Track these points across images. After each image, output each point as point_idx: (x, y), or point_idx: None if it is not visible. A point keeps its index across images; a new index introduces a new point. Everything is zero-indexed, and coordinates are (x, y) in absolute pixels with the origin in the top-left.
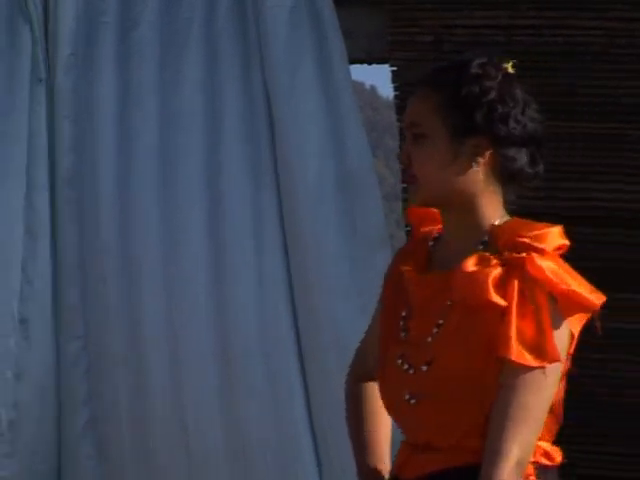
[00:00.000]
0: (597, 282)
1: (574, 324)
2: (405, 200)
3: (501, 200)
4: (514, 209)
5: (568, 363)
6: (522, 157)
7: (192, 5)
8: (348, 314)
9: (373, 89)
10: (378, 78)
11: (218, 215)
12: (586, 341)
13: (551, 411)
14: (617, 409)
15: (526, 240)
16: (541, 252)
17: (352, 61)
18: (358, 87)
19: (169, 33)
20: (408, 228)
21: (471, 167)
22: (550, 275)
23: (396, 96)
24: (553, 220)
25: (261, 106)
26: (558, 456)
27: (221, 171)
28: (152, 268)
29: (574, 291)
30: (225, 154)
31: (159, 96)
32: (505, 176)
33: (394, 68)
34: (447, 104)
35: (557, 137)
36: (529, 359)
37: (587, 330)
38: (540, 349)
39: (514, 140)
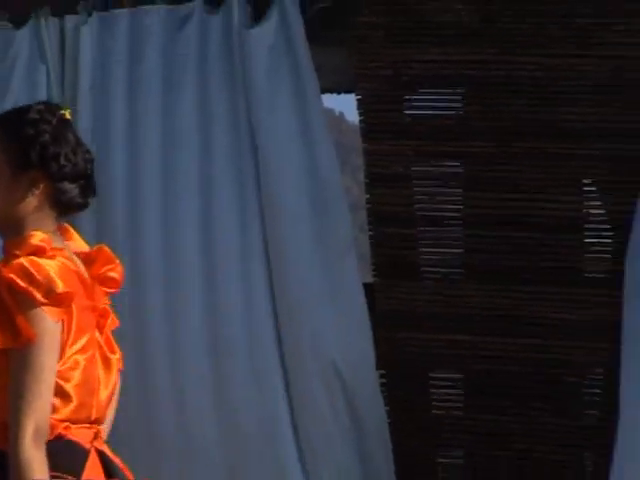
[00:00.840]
0: (548, 278)
1: (55, 314)
2: (368, 208)
3: (53, 223)
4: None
5: (76, 349)
6: (73, 190)
7: (188, 43)
8: (321, 310)
9: (341, 115)
10: (346, 105)
11: (210, 226)
12: (527, 328)
13: (62, 394)
14: (555, 387)
15: (9, 248)
16: (15, 256)
17: (324, 91)
18: (328, 113)
19: (169, 67)
20: (371, 232)
21: (28, 196)
22: (13, 274)
23: (361, 121)
24: (505, 226)
25: (245, 128)
26: (50, 434)
27: (212, 185)
28: (155, 271)
29: (26, 287)
30: (215, 170)
31: (161, 121)
32: (59, 205)
33: (359, 97)
34: (9, 142)
35: (505, 156)
36: (8, 342)
37: (523, 319)
38: (14, 333)
39: (65, 176)
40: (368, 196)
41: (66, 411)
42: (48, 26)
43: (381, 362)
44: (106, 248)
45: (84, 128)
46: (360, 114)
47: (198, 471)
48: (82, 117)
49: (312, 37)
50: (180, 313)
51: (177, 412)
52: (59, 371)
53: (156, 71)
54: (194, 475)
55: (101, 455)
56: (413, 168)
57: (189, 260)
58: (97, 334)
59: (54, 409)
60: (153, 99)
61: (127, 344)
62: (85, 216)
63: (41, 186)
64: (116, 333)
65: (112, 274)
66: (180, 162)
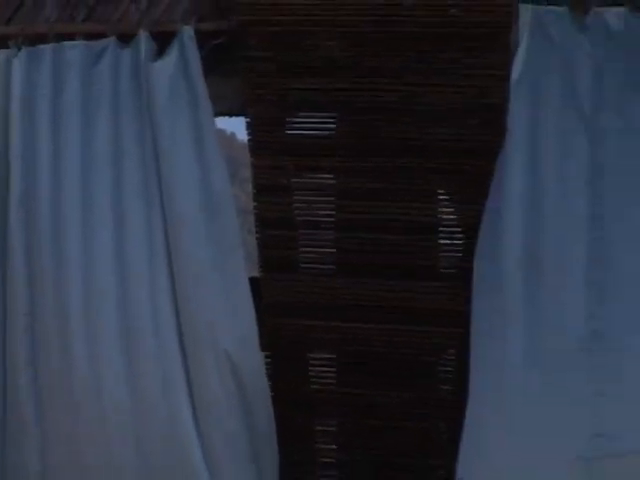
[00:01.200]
0: (408, 273)
1: None
2: (256, 214)
3: None
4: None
5: None
6: None
7: (102, 77)
8: (213, 301)
9: (233, 134)
10: (237, 126)
11: (123, 235)
12: (391, 315)
13: None
14: (414, 366)
15: None
16: None
17: (218, 114)
18: (221, 133)
19: (86, 101)
20: (257, 235)
21: None
22: None
23: (249, 140)
24: (372, 230)
25: (151, 151)
26: None
27: (123, 201)
28: (75, 274)
29: None
30: (126, 188)
31: (80, 154)
32: None
33: (248, 119)
34: None
35: (372, 170)
36: None
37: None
38: None
39: None
40: (255, 204)
41: None
42: None
43: (266, 345)
44: None
45: (15, 155)
46: (249, 134)
47: (109, 429)
48: (13, 146)
49: (208, 69)
50: (100, 303)
51: (95, 398)
52: None
53: (75, 105)
54: (108, 435)
55: None
56: (293, 180)
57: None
58: None
59: None
60: (72, 133)
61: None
62: (17, 238)
63: None
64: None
65: None
66: (96, 195)
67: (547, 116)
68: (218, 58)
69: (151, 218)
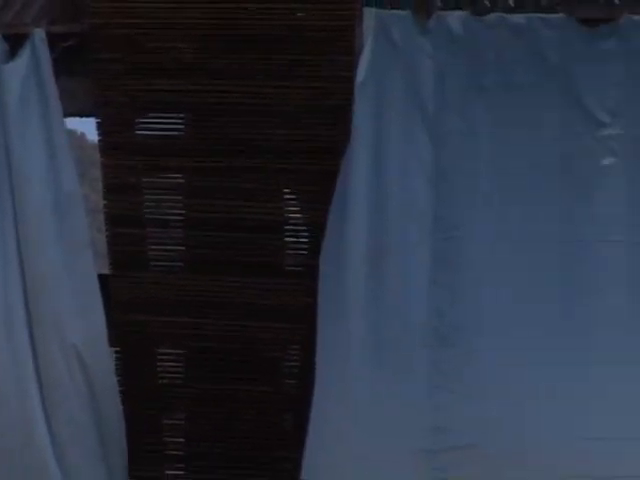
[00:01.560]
0: (255, 271)
1: None
2: (105, 212)
3: None
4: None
5: None
6: None
7: None
8: (62, 299)
9: (83, 135)
10: (87, 126)
11: None
12: (238, 312)
13: None
14: (261, 361)
15: None
16: None
17: (69, 115)
18: (72, 133)
19: None
20: (107, 233)
21: None
22: None
23: (99, 140)
24: (220, 228)
25: (2, 152)
26: None
27: None
28: None
29: None
30: None
31: None
32: None
33: (99, 120)
34: None
35: (220, 169)
36: None
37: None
38: None
39: None
40: (105, 202)
41: None
42: None
43: (116, 341)
44: None
45: None
46: (99, 134)
47: None
48: None
49: (60, 70)
50: None
51: None
52: None
53: None
54: None
55: None
56: (143, 179)
57: None
58: None
59: None
60: None
61: None
62: None
63: None
64: None
65: None
66: None
67: (391, 117)
68: (69, 60)
69: (3, 218)
